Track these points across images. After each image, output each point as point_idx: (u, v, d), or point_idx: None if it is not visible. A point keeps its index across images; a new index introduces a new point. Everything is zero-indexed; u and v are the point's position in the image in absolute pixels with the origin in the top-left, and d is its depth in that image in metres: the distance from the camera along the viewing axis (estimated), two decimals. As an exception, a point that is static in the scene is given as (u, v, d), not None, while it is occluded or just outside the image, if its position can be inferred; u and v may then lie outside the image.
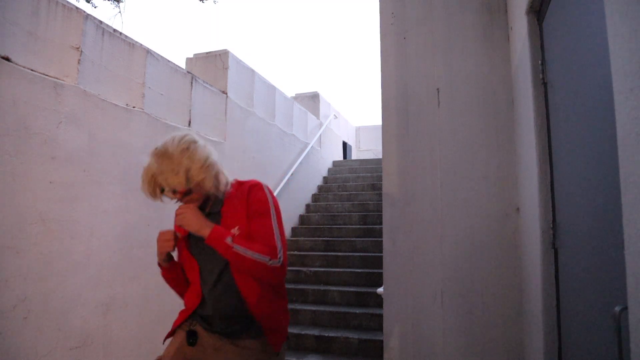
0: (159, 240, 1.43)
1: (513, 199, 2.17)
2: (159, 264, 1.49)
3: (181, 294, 1.55)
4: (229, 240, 1.31)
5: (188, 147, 1.35)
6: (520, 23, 1.92)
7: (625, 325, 0.81)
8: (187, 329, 1.42)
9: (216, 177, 1.39)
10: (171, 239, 1.41)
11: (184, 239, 1.48)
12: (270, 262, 1.32)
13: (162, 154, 1.35)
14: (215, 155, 1.42)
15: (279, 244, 1.37)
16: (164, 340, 1.48)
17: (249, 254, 1.31)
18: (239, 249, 1.30)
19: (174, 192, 1.35)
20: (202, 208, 1.44)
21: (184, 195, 1.36)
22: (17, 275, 2.26)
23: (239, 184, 1.47)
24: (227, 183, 1.44)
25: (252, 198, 1.41)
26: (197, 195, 1.38)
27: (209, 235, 1.33)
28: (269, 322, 1.41)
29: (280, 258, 1.35)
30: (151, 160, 1.37)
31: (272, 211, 1.42)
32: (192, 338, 1.40)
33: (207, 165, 1.35)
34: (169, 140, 1.39)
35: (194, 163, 1.33)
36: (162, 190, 1.37)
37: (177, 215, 1.38)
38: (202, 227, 1.34)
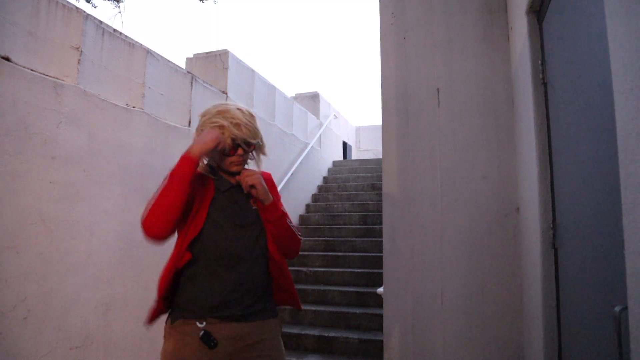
0: (209, 133, 1.32)
1: (513, 199, 2.17)
2: (188, 154, 1.28)
3: (170, 207, 1.26)
4: (283, 208, 1.44)
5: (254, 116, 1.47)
6: (520, 23, 1.92)
7: (625, 325, 0.81)
8: (199, 333, 1.26)
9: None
10: (224, 136, 1.35)
11: (206, 203, 1.38)
12: (298, 234, 1.50)
13: (242, 109, 1.41)
14: None
15: (293, 225, 1.51)
16: (150, 322, 1.39)
17: (292, 225, 1.46)
18: (287, 219, 1.44)
19: (243, 145, 1.38)
20: (222, 182, 1.48)
21: (246, 152, 1.41)
22: (17, 275, 2.26)
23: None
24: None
25: (274, 185, 1.53)
26: (247, 157, 1.45)
27: (273, 199, 1.41)
28: (289, 288, 1.50)
29: (300, 232, 1.52)
30: (233, 111, 1.38)
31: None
32: (211, 341, 1.26)
33: (261, 138, 1.48)
34: (235, 103, 1.48)
35: (259, 130, 1.45)
36: (233, 141, 1.36)
37: (246, 175, 1.38)
38: (267, 190, 1.41)
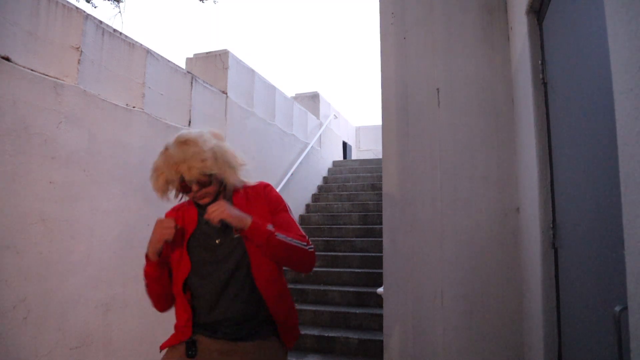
0: (157, 227, 1.32)
1: (513, 199, 2.17)
2: (147, 257, 1.36)
3: (159, 297, 1.42)
4: (270, 227, 1.32)
5: (212, 136, 1.37)
6: (520, 23, 1.92)
7: (625, 325, 0.81)
8: (186, 339, 1.34)
9: (236, 171, 1.39)
10: (172, 227, 1.31)
11: (180, 238, 1.39)
12: (307, 247, 1.38)
13: (184, 142, 1.31)
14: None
15: (304, 234, 1.43)
16: (161, 349, 1.40)
17: (289, 240, 1.34)
18: (280, 235, 1.32)
19: (195, 182, 1.31)
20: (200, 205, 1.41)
21: (203, 186, 1.33)
22: (17, 275, 2.26)
23: (246, 188, 1.46)
24: (240, 181, 1.42)
25: (271, 196, 1.45)
26: (214, 188, 1.36)
27: (251, 224, 1.29)
28: (285, 320, 1.41)
29: (310, 244, 1.41)
30: (171, 151, 1.31)
31: (288, 208, 1.48)
32: (191, 349, 1.31)
33: (232, 154, 1.38)
34: (185, 133, 1.36)
35: (220, 149, 1.34)
36: (182, 181, 1.31)
37: (210, 211, 1.28)
38: (242, 217, 1.30)
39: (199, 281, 1.36)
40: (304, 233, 1.42)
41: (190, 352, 1.31)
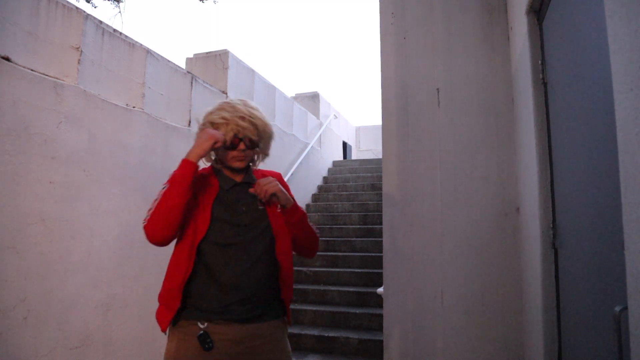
0: (203, 133, 1.31)
1: (513, 199, 2.17)
2: (185, 160, 1.29)
3: (168, 217, 1.26)
4: (303, 208, 1.44)
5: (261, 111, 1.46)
6: (520, 23, 1.92)
7: (625, 325, 0.81)
8: (197, 333, 1.25)
9: (266, 153, 1.50)
10: (220, 134, 1.32)
11: (209, 201, 1.36)
12: (318, 232, 1.51)
13: (251, 106, 1.41)
14: None
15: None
16: (166, 329, 1.31)
17: (311, 224, 1.48)
18: (307, 219, 1.45)
19: (246, 141, 1.36)
20: (227, 180, 1.44)
21: (248, 148, 1.38)
22: (17, 275, 2.26)
23: (262, 172, 1.54)
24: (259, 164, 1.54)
25: (283, 182, 1.50)
26: (252, 154, 1.42)
27: (293, 202, 1.40)
28: (290, 295, 1.47)
29: (318, 231, 1.52)
30: (238, 106, 1.37)
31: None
32: (206, 342, 1.24)
33: (270, 142, 1.48)
34: (246, 99, 1.47)
35: (267, 123, 1.44)
36: (236, 136, 1.34)
37: (262, 184, 1.32)
38: (287, 195, 1.39)
39: (222, 253, 1.31)
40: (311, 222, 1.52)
41: (206, 346, 1.24)
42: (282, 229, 1.41)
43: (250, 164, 1.47)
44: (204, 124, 1.39)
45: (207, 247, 1.32)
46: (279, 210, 1.41)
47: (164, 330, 1.31)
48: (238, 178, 1.44)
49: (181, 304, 1.30)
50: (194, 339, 1.25)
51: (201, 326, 1.26)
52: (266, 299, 1.36)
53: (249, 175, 1.47)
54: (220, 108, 1.38)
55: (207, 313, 1.28)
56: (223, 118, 1.34)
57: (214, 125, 1.36)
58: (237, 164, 1.39)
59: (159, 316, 1.33)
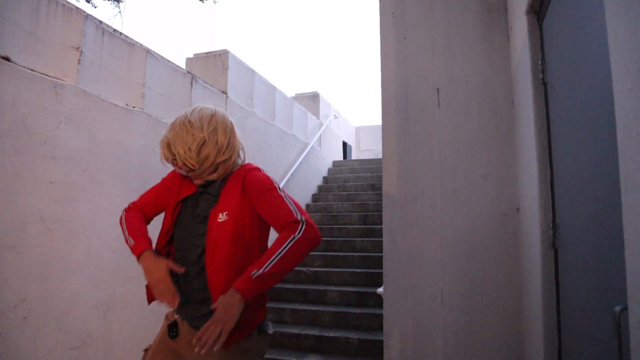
0: (157, 286, 1.30)
1: (513, 199, 2.17)
2: (134, 251, 1.37)
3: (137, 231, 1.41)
4: (253, 274, 1.17)
5: (214, 129, 1.33)
6: (520, 23, 1.92)
7: (625, 325, 0.81)
8: (170, 320, 1.38)
9: (229, 161, 1.36)
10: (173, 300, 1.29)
11: (176, 194, 1.43)
12: (297, 234, 1.22)
13: (183, 124, 1.32)
14: (237, 136, 1.40)
15: (292, 207, 1.29)
16: (149, 302, 1.42)
17: (274, 258, 1.19)
18: (267, 267, 1.18)
19: (182, 168, 1.33)
20: (202, 186, 1.40)
21: (191, 171, 1.33)
22: (17, 275, 2.26)
23: (241, 169, 1.43)
24: (235, 165, 1.42)
25: (249, 180, 1.36)
26: (198, 174, 1.34)
27: (241, 296, 1.16)
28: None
29: (300, 217, 1.26)
30: (172, 129, 1.34)
31: (277, 186, 1.37)
32: (172, 330, 1.35)
33: (224, 152, 1.33)
34: (197, 110, 1.36)
35: (211, 145, 1.31)
36: (174, 160, 1.33)
37: (199, 343, 1.13)
38: (230, 305, 1.16)
39: (181, 248, 1.40)
40: (290, 209, 1.28)
41: (171, 334, 1.35)
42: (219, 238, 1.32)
43: (212, 176, 1.36)
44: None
45: (174, 237, 1.43)
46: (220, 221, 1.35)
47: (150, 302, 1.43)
48: (209, 186, 1.42)
49: None
50: (167, 323, 1.39)
51: (175, 316, 1.38)
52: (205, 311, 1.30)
53: (220, 183, 1.40)
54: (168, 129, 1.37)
55: (180, 305, 1.32)
56: (162, 148, 1.35)
57: (160, 145, 1.36)
58: (195, 182, 1.38)
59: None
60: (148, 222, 1.50)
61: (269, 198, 1.32)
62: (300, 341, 3.68)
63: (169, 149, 1.32)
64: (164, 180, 1.52)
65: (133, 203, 1.54)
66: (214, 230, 1.31)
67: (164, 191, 1.48)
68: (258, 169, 1.43)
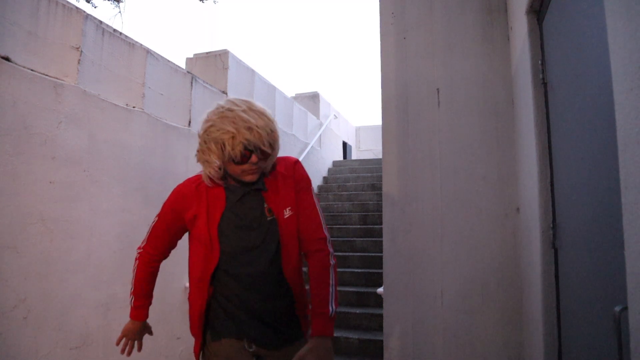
0: (130, 334, 1.44)
1: (513, 199, 2.17)
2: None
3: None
4: (331, 314, 1.23)
5: (273, 118, 1.27)
6: (520, 23, 1.92)
7: (625, 325, 0.81)
8: (248, 352, 1.27)
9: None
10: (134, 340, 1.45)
11: (206, 218, 1.30)
12: (331, 259, 1.32)
13: (260, 111, 1.22)
14: None
15: (322, 218, 1.36)
16: (198, 356, 1.36)
17: (334, 291, 1.28)
18: (333, 302, 1.26)
19: (258, 153, 1.20)
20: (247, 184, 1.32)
21: (261, 160, 1.22)
22: (17, 275, 2.26)
23: (278, 161, 1.37)
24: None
25: (298, 175, 1.36)
26: (265, 163, 1.26)
27: (329, 335, 1.23)
28: (305, 309, 1.36)
29: (326, 234, 1.34)
30: (242, 114, 1.18)
31: (312, 189, 1.40)
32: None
33: (279, 141, 1.29)
34: (251, 100, 1.26)
35: (275, 127, 1.25)
36: (246, 149, 1.18)
37: None
38: (331, 351, 1.22)
39: (235, 270, 1.29)
40: (322, 219, 1.35)
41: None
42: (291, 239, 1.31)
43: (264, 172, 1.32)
44: (206, 143, 1.22)
45: (220, 276, 1.31)
46: (270, 218, 1.30)
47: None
48: (248, 184, 1.32)
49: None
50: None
51: (251, 350, 1.30)
52: (282, 321, 1.32)
53: (261, 179, 1.32)
54: (222, 117, 1.19)
55: (237, 333, 1.32)
56: (228, 132, 1.18)
57: (217, 144, 1.20)
58: (249, 178, 1.25)
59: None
60: (165, 257, 1.44)
61: (307, 199, 1.34)
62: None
63: (251, 133, 1.17)
64: (167, 206, 1.36)
65: (144, 248, 1.41)
66: (284, 227, 1.28)
67: (175, 217, 1.34)
68: (299, 160, 1.43)
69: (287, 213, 1.29)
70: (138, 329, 1.42)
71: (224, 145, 1.19)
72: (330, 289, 1.26)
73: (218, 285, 1.30)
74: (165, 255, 1.43)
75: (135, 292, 1.41)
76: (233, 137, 1.18)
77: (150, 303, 1.44)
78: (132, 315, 1.42)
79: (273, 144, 1.23)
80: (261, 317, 1.27)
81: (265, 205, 1.29)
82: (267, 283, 1.28)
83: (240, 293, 1.27)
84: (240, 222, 1.28)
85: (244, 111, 1.20)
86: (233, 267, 1.28)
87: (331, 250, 1.34)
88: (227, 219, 1.28)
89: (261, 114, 1.22)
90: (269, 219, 1.29)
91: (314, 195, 1.37)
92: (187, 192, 1.33)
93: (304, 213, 1.32)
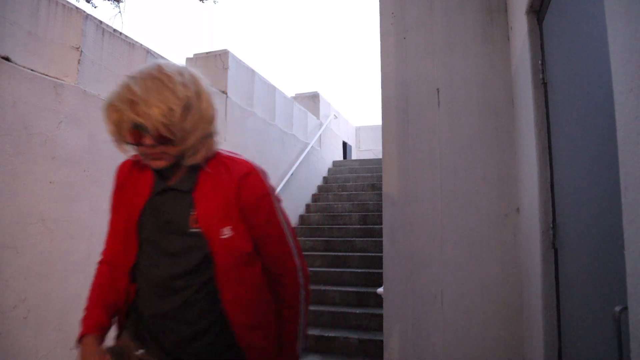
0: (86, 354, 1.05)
1: (513, 199, 2.17)
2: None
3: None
4: (298, 350, 1.08)
5: (196, 81, 0.99)
6: (520, 23, 1.92)
7: (625, 325, 0.81)
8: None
9: (210, 138, 1.00)
10: None
11: (128, 210, 1.09)
12: (302, 292, 1.09)
13: (156, 76, 0.92)
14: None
15: (291, 243, 1.09)
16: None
17: (303, 324, 1.10)
18: (298, 339, 1.09)
19: (151, 135, 0.91)
20: (163, 175, 1.04)
21: (161, 143, 0.93)
22: (17, 275, 2.26)
23: (223, 162, 1.05)
24: (213, 153, 1.05)
25: (249, 193, 1.02)
26: (175, 150, 0.95)
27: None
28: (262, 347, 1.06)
29: (297, 261, 1.09)
30: (133, 83, 0.91)
31: (278, 210, 1.08)
32: None
33: (209, 115, 0.98)
34: (163, 63, 0.96)
35: (199, 101, 0.96)
36: (136, 128, 0.92)
37: None
38: None
39: (149, 267, 1.04)
40: (292, 244, 1.09)
41: None
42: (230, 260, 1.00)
43: (180, 162, 0.99)
44: (105, 111, 0.99)
45: (139, 275, 1.06)
46: (195, 229, 0.99)
47: None
48: (172, 179, 1.04)
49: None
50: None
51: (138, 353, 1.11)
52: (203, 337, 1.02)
53: (188, 176, 1.02)
54: (121, 85, 0.94)
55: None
56: (113, 105, 0.94)
57: (108, 120, 0.99)
58: (155, 164, 0.98)
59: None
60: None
61: (271, 223, 1.05)
62: (300, 341, 3.68)
63: (133, 110, 0.89)
64: (112, 198, 1.18)
65: (102, 255, 1.20)
66: (216, 247, 0.98)
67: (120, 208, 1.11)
68: (258, 176, 1.06)
69: (226, 233, 0.98)
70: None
71: (108, 119, 0.98)
72: (299, 328, 1.07)
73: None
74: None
75: (88, 300, 1.20)
76: (117, 112, 0.93)
77: (99, 321, 1.15)
78: (80, 330, 1.15)
79: (173, 127, 0.90)
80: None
81: (192, 212, 0.99)
82: (182, 299, 1.00)
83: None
84: (160, 228, 1.03)
85: (141, 79, 0.91)
86: (147, 272, 1.04)
87: (301, 281, 1.09)
88: (147, 213, 1.04)
89: (161, 85, 0.90)
90: (192, 230, 0.99)
91: (279, 215, 1.07)
92: (121, 170, 1.15)
93: (269, 241, 1.05)
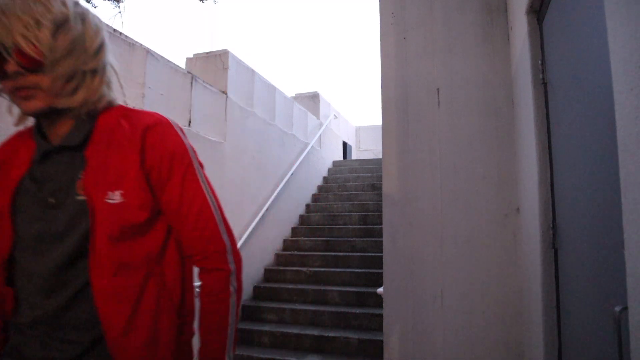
0: None
1: (513, 199, 2.17)
2: None
3: None
4: (229, 351, 0.82)
5: (83, 14, 0.80)
6: (520, 23, 1.92)
7: (625, 325, 0.81)
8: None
9: (98, 82, 0.82)
10: None
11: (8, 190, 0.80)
12: (233, 284, 0.84)
13: None
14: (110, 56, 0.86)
15: (218, 218, 0.85)
16: None
17: (233, 327, 0.84)
18: (228, 344, 0.83)
19: (13, 57, 0.70)
20: (45, 136, 0.83)
21: (26, 70, 0.72)
22: (17, 275, 2.25)
23: (126, 113, 0.85)
24: (109, 101, 0.85)
25: (156, 149, 0.81)
26: (46, 82, 0.74)
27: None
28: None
29: (227, 242, 0.85)
30: None
31: (200, 175, 0.86)
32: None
33: (94, 60, 0.81)
34: None
35: (74, 36, 0.77)
36: None
37: None
38: None
39: (32, 257, 0.79)
40: (220, 221, 0.85)
41: None
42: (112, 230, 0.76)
43: (57, 104, 0.77)
44: None
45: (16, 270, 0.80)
46: (81, 197, 0.77)
47: None
48: (57, 134, 0.82)
49: None
50: None
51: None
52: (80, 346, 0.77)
53: (76, 130, 0.81)
54: None
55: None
56: None
57: None
58: (25, 106, 0.76)
59: None
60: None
61: (188, 188, 0.83)
62: (300, 341, 3.68)
63: None
64: None
65: None
66: (99, 217, 0.76)
67: None
68: (171, 126, 0.85)
69: (114, 198, 0.77)
70: None
71: None
72: (229, 330, 0.82)
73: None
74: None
75: None
76: None
77: None
78: None
79: (40, 45, 0.71)
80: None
81: (79, 177, 0.78)
82: (64, 290, 0.77)
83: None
84: (38, 199, 0.79)
85: None
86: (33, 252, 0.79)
87: (232, 267, 0.84)
88: (24, 189, 0.81)
89: None
90: (77, 198, 0.77)
91: (200, 181, 0.85)
92: (6, 141, 0.90)
93: (186, 213, 0.82)
